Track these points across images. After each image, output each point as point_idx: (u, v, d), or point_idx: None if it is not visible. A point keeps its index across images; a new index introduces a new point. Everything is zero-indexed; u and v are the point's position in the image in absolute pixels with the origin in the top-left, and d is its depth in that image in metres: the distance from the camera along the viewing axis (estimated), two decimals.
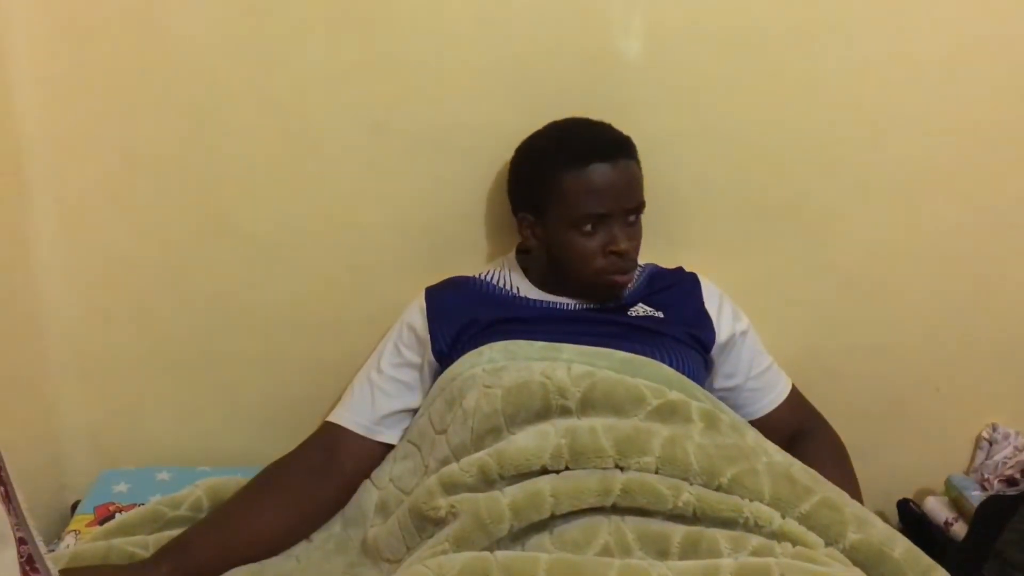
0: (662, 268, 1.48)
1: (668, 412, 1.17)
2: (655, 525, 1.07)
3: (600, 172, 1.28)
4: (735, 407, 1.38)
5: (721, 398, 1.34)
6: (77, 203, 1.44)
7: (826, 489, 1.12)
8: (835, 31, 1.43)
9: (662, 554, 1.04)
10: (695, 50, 1.43)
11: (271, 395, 1.55)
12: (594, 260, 1.32)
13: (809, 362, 1.56)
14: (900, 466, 1.65)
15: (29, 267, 1.44)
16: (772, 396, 1.44)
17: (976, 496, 1.50)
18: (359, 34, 1.39)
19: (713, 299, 1.43)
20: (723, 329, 1.40)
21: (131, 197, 1.45)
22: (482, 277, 1.43)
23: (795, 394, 1.46)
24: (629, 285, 1.39)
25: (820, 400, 1.48)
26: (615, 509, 1.08)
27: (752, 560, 1.00)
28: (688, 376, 1.27)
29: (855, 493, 1.28)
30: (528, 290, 1.40)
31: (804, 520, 1.07)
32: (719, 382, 1.43)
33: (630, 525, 1.07)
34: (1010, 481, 1.54)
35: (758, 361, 1.44)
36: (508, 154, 1.39)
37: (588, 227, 1.30)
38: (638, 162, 1.35)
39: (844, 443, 1.42)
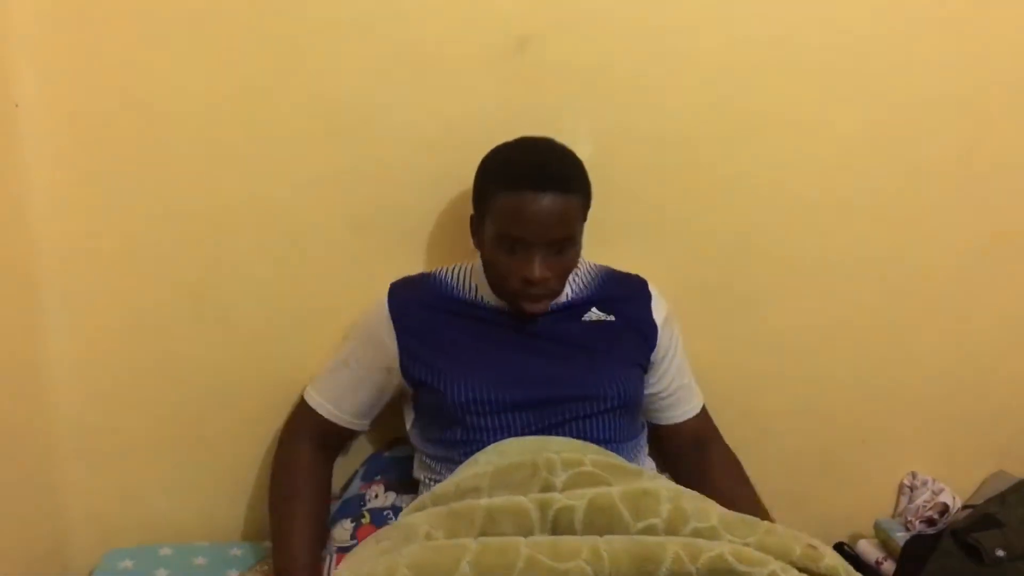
0: (616, 272, 1.54)
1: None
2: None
3: (529, 200, 1.30)
4: (650, 411, 1.55)
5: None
6: (82, 297, 1.52)
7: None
8: None
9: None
10: None
11: (264, 468, 1.62)
12: (510, 280, 1.35)
13: (746, 423, 1.67)
14: (833, 512, 1.79)
15: (37, 360, 1.52)
16: (688, 407, 1.56)
17: (901, 537, 1.64)
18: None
19: (660, 311, 1.51)
20: (662, 344, 1.49)
21: (131, 291, 1.53)
22: (445, 278, 1.48)
23: (704, 410, 1.59)
24: (567, 295, 1.45)
25: (757, 455, 1.58)
26: None
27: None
28: (631, 397, 1.43)
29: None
30: (488, 295, 1.44)
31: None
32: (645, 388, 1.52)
33: None
34: (930, 522, 1.69)
35: (681, 374, 1.54)
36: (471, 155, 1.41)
37: (509, 247, 1.33)
38: (581, 197, 1.36)
39: (782, 492, 1.54)
